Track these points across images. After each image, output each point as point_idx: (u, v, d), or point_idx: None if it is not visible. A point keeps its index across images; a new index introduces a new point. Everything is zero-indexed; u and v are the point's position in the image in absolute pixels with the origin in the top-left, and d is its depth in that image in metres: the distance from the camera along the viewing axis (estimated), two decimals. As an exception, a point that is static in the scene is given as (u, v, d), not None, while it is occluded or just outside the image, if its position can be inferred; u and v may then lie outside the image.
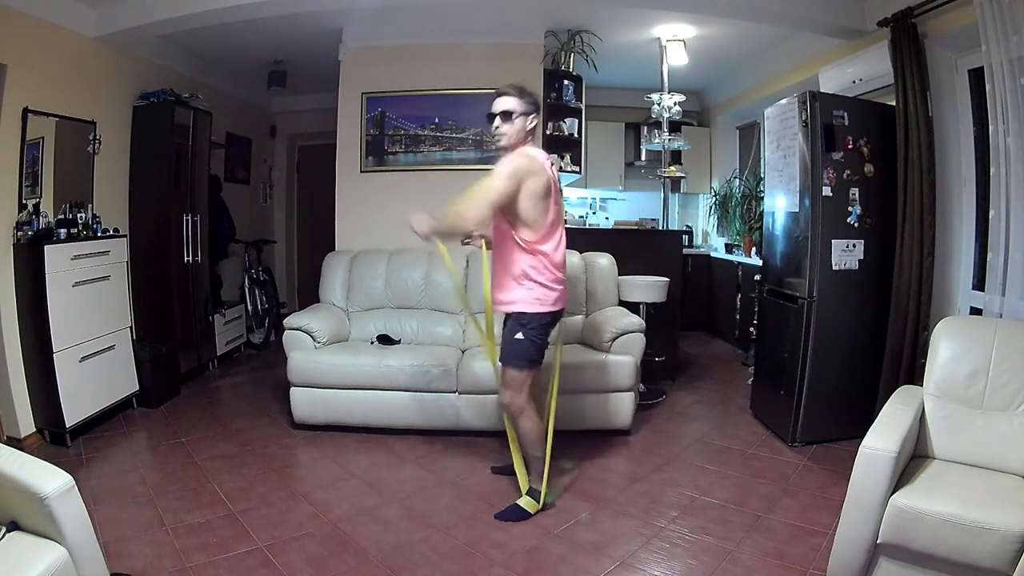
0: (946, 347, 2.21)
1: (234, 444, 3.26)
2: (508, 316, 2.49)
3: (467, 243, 2.74)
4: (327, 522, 2.45)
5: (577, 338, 3.63)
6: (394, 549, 2.26)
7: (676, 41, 4.49)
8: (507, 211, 2.36)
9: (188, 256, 4.24)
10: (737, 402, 3.96)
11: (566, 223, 5.39)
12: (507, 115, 2.38)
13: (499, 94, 2.42)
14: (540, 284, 2.40)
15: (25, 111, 3.14)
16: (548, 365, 2.69)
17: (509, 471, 2.69)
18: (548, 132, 4.59)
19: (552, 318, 2.49)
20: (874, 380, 3.09)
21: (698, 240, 6.68)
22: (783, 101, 3.31)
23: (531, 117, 2.40)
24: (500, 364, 2.54)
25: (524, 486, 2.58)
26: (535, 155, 2.39)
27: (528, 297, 2.41)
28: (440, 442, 3.24)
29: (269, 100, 6.21)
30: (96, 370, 3.36)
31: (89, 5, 3.52)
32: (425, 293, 3.90)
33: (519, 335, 2.43)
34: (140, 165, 4.04)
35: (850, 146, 3.09)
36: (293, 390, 3.37)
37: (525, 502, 2.52)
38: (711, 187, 6.43)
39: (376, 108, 4.33)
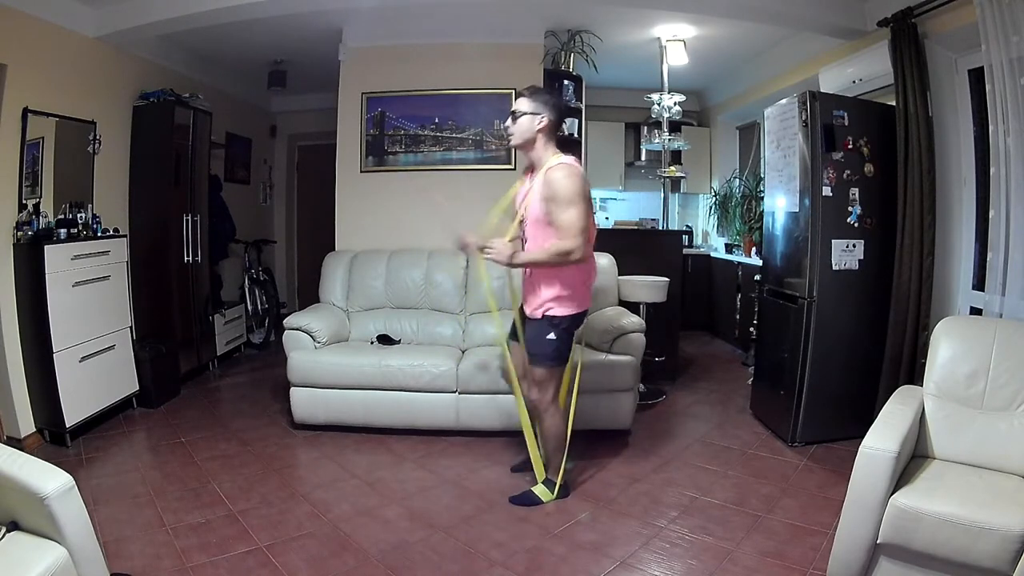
0: (946, 347, 2.22)
1: (234, 444, 3.26)
2: (537, 319, 2.51)
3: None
4: (327, 522, 2.45)
5: (577, 338, 3.62)
6: (394, 549, 2.26)
7: (676, 41, 4.49)
8: (553, 224, 2.37)
9: (188, 256, 4.24)
10: (737, 402, 3.96)
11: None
12: (514, 115, 2.44)
13: (516, 95, 2.55)
14: (575, 291, 2.47)
15: (25, 111, 3.13)
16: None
17: (527, 467, 2.75)
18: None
19: (581, 317, 2.54)
20: (874, 380, 3.09)
21: (698, 240, 6.68)
22: (783, 101, 3.31)
23: (539, 118, 2.40)
24: (529, 364, 2.56)
25: (540, 475, 2.66)
26: (576, 166, 2.39)
27: (563, 301, 2.46)
28: (440, 442, 3.25)
29: (269, 100, 6.21)
30: (96, 370, 3.36)
31: (89, 5, 3.51)
32: (425, 293, 3.90)
33: (551, 335, 2.46)
34: (140, 165, 4.04)
35: (850, 146, 3.09)
36: (293, 390, 3.37)
37: (540, 490, 2.62)
38: (711, 187, 6.43)
39: (376, 108, 4.33)
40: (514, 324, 2.69)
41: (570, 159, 2.41)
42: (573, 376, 2.70)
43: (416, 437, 3.30)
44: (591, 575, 2.11)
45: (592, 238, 2.48)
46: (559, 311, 2.45)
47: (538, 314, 2.49)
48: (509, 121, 2.46)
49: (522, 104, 2.42)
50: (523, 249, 2.48)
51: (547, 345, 2.47)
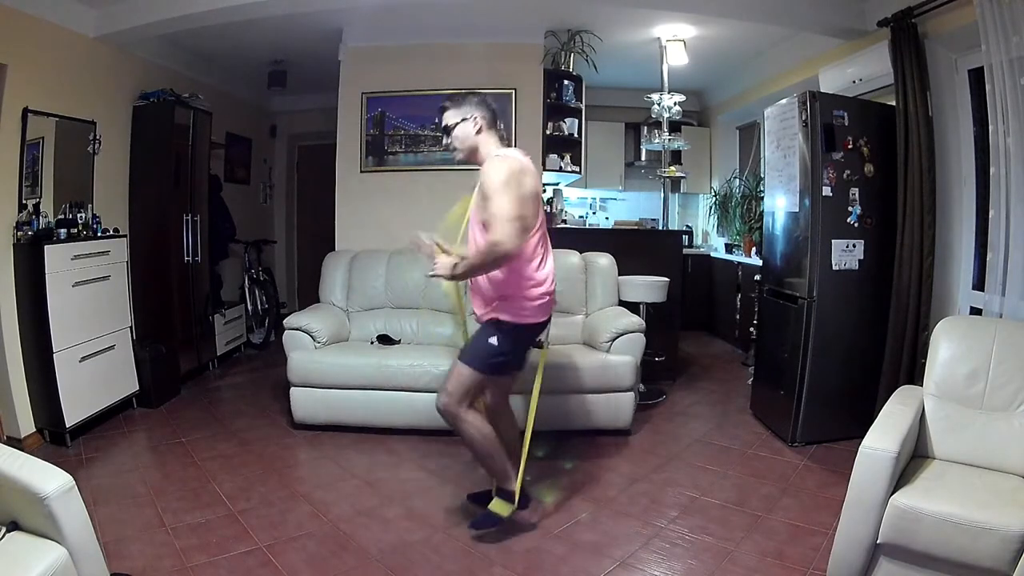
0: (946, 347, 2.21)
1: (234, 444, 3.26)
2: (484, 322, 2.30)
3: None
4: (327, 522, 2.45)
5: (577, 338, 3.63)
6: (394, 549, 2.26)
7: (676, 41, 4.49)
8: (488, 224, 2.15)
9: (188, 256, 4.24)
10: (737, 402, 3.96)
11: (565, 223, 5.40)
12: (447, 130, 2.27)
13: (440, 110, 2.31)
14: (525, 297, 2.23)
15: (25, 111, 3.13)
16: (531, 366, 2.50)
17: (485, 499, 2.42)
18: (548, 132, 4.59)
19: (532, 332, 2.31)
20: (874, 380, 3.09)
21: (698, 240, 6.69)
22: (783, 101, 3.31)
23: (473, 120, 2.23)
24: (455, 360, 2.32)
25: (497, 487, 2.37)
26: (514, 154, 2.22)
27: (509, 308, 2.23)
28: (440, 442, 3.24)
29: (269, 100, 6.21)
30: (96, 370, 3.36)
31: (89, 5, 3.52)
32: (425, 293, 3.90)
33: (492, 339, 2.24)
34: (140, 165, 4.04)
35: (850, 146, 3.09)
36: (293, 390, 3.37)
37: (496, 505, 2.33)
38: (711, 187, 6.43)
39: (376, 108, 4.33)
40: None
41: (510, 151, 2.25)
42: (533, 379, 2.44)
43: (416, 437, 3.30)
44: (591, 575, 2.11)
45: (538, 230, 2.23)
46: (505, 316, 2.23)
47: (484, 318, 2.29)
48: (446, 139, 2.28)
49: (450, 116, 2.25)
50: None
51: (482, 347, 2.25)
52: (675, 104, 4.85)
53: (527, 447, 2.39)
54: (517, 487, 2.32)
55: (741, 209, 5.76)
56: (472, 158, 2.28)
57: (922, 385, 2.25)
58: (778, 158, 3.38)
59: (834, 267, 3.10)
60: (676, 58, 4.55)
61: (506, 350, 2.25)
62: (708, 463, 3.04)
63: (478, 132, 2.24)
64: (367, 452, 3.16)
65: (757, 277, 4.01)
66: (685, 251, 5.26)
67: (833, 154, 3.06)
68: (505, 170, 2.11)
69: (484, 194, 2.13)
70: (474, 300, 2.34)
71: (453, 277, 2.18)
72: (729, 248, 5.84)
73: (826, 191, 3.05)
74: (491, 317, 2.25)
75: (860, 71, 3.59)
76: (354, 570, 2.13)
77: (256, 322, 5.44)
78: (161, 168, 4.05)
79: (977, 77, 2.94)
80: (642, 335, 3.32)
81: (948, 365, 2.18)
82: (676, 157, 5.57)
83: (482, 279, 2.25)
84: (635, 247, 4.39)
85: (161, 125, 4.04)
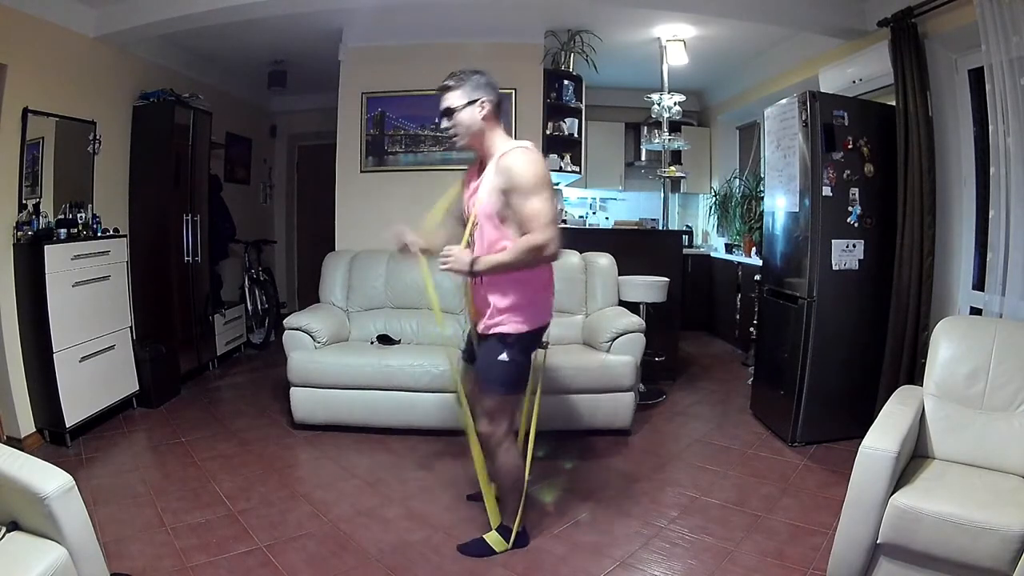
0: (946, 347, 2.22)
1: (234, 444, 3.26)
2: (487, 336, 2.13)
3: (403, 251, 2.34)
4: (327, 522, 2.45)
5: (577, 338, 3.63)
6: (394, 549, 2.26)
7: (676, 41, 4.49)
8: (507, 220, 2.02)
9: (188, 256, 4.24)
10: (737, 402, 3.96)
11: (565, 223, 5.41)
12: (449, 112, 2.07)
13: (440, 90, 2.09)
14: (532, 301, 2.10)
15: (25, 111, 3.13)
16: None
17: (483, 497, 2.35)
18: (548, 132, 4.59)
19: (538, 334, 2.17)
20: (874, 380, 3.09)
21: (698, 240, 6.69)
22: (783, 101, 3.31)
23: (480, 102, 2.03)
24: (478, 391, 2.21)
25: (494, 521, 2.27)
26: (535, 150, 2.05)
27: (516, 316, 2.07)
28: (440, 442, 3.24)
29: (269, 100, 6.21)
30: (96, 370, 3.36)
31: (89, 5, 3.52)
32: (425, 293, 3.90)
33: (503, 356, 2.08)
34: (140, 165, 4.04)
35: (850, 146, 3.10)
36: (293, 390, 3.37)
37: (493, 539, 2.23)
38: (711, 187, 6.43)
39: (376, 108, 4.33)
40: (469, 341, 2.34)
41: (526, 143, 2.04)
42: (536, 384, 2.33)
43: (416, 437, 3.30)
44: (591, 575, 2.11)
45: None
46: (510, 328, 2.06)
47: (488, 331, 2.10)
48: (445, 122, 2.08)
49: (454, 98, 2.05)
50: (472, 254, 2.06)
51: (497, 368, 2.08)
52: (675, 104, 4.86)
53: (531, 448, 2.32)
54: (515, 529, 2.24)
55: (741, 209, 5.76)
56: (474, 144, 2.10)
57: (922, 385, 2.25)
58: (778, 158, 3.38)
59: (834, 267, 3.10)
60: (676, 58, 4.55)
61: (519, 359, 2.11)
62: (708, 463, 3.04)
63: (484, 118, 2.05)
64: (367, 452, 3.16)
65: (757, 277, 4.02)
66: (685, 251, 5.27)
67: (833, 154, 3.06)
68: (539, 166, 1.97)
69: (510, 188, 1.95)
70: (478, 308, 2.17)
71: (473, 273, 2.01)
72: (729, 248, 5.84)
73: (826, 191, 3.05)
74: (496, 331, 2.08)
75: (860, 71, 3.59)
76: (354, 570, 2.13)
77: (256, 322, 5.44)
78: (161, 168, 4.05)
79: (977, 77, 2.94)
80: (642, 335, 3.32)
81: (948, 365, 2.19)
82: (676, 157, 5.57)
83: (492, 289, 2.08)
84: (635, 247, 4.39)
85: (161, 125, 4.04)
